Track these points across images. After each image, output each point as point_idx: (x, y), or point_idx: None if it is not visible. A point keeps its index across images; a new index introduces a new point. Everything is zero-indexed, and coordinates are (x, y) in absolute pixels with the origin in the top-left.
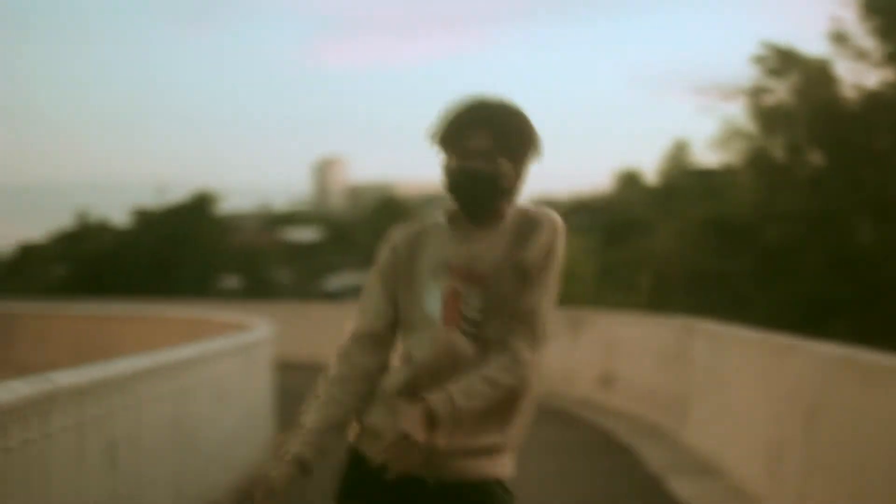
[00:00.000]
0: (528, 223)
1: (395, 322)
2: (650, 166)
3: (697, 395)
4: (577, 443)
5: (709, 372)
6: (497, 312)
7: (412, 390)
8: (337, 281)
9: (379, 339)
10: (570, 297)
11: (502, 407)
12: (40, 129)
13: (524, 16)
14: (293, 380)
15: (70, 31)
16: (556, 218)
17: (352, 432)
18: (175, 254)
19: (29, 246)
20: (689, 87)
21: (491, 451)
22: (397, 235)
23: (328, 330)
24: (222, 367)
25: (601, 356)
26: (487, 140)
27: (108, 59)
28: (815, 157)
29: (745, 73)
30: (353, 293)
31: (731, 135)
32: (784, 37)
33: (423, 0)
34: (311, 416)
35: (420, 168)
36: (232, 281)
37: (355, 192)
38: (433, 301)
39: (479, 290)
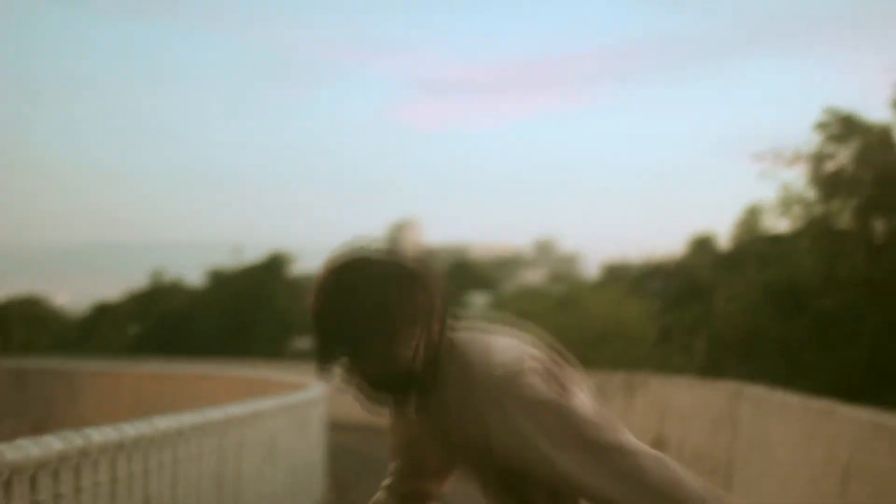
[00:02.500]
0: (469, 399)
1: None
2: (725, 231)
3: (742, 459)
4: None
5: (753, 436)
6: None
7: None
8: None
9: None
10: (630, 360)
11: None
12: (117, 187)
13: (611, 81)
14: (348, 441)
15: (148, 91)
16: (503, 375)
17: None
18: (249, 314)
19: (104, 305)
20: (758, 153)
21: None
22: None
23: None
24: (272, 425)
25: (654, 420)
26: (367, 332)
27: (188, 117)
28: (877, 224)
29: (810, 139)
30: None
31: (791, 201)
32: (849, 103)
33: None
34: None
35: (494, 231)
36: (305, 342)
37: (429, 255)
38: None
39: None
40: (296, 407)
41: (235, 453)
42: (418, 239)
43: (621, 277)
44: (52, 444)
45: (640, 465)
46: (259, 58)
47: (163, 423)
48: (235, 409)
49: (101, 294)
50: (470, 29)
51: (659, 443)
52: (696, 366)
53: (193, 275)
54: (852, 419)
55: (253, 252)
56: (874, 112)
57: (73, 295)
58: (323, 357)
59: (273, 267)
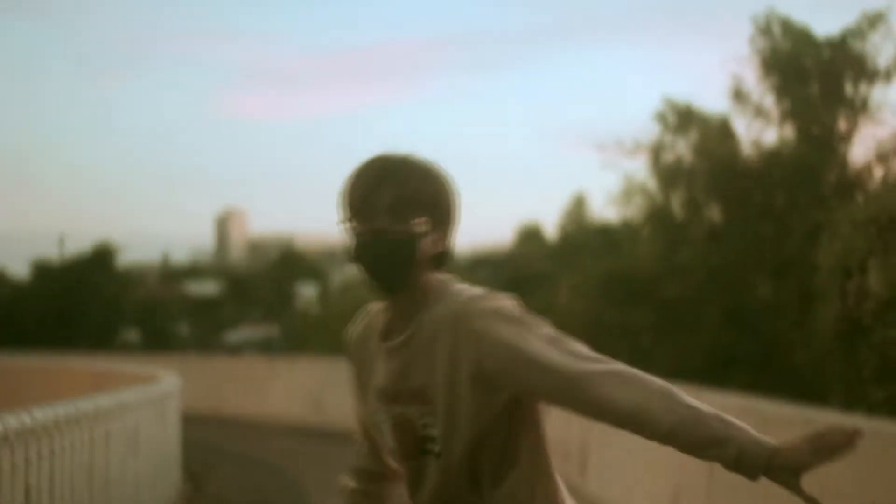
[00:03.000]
0: (445, 323)
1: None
2: (551, 221)
3: (598, 445)
4: None
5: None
6: (457, 431)
7: None
8: (237, 335)
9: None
10: None
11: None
12: None
13: (431, 69)
14: (196, 432)
15: None
16: (497, 305)
17: None
18: (75, 306)
19: None
20: (595, 143)
21: None
22: (350, 341)
23: (229, 383)
24: (136, 417)
25: None
26: (391, 197)
27: (5, 108)
28: (714, 214)
29: (649, 129)
30: (252, 347)
31: (632, 191)
32: (691, 95)
33: (344, 54)
34: None
35: (321, 222)
36: (132, 334)
37: (256, 245)
38: (383, 429)
39: (429, 408)
40: (156, 399)
41: (104, 445)
42: (245, 228)
43: (450, 267)
44: None
45: (616, 368)
46: (86, 49)
47: (41, 414)
48: (106, 400)
49: None
50: (301, 18)
51: None
52: None
53: (16, 266)
54: (720, 404)
55: (77, 243)
56: (713, 103)
57: None
58: (356, 214)
59: (99, 258)
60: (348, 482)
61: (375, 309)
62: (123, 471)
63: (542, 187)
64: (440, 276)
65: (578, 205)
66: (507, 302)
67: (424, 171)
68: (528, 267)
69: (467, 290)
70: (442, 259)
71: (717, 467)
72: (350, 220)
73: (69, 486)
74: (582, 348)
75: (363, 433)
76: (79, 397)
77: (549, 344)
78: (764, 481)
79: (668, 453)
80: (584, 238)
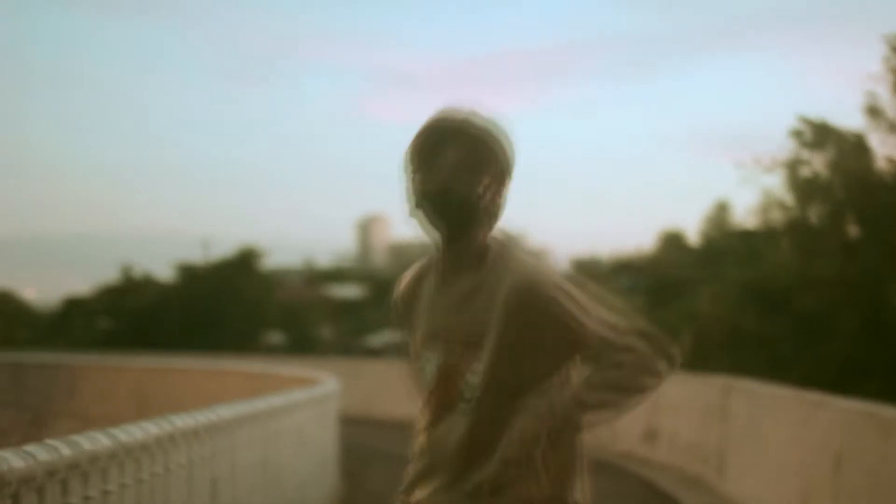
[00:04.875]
0: (508, 281)
1: None
2: (693, 227)
3: (735, 448)
4: (624, 492)
5: (746, 427)
6: (500, 385)
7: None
8: (379, 338)
9: None
10: None
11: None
12: (87, 181)
13: (581, 76)
14: (349, 433)
15: (125, 86)
16: (549, 278)
17: None
18: (219, 309)
19: (74, 299)
20: (730, 147)
21: None
22: (399, 294)
23: (377, 385)
24: (302, 416)
25: (647, 412)
26: (454, 156)
27: (160, 114)
28: (850, 227)
29: (784, 145)
30: (394, 351)
31: (770, 205)
32: (828, 106)
33: (488, 60)
34: None
35: None
36: (275, 337)
37: (398, 250)
38: (426, 372)
39: (478, 356)
40: (319, 399)
41: (275, 441)
42: (386, 233)
43: (591, 273)
44: (148, 428)
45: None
46: (233, 54)
47: (224, 411)
48: (276, 401)
49: (67, 288)
50: (442, 23)
51: (651, 434)
52: (683, 361)
53: (162, 269)
54: (844, 409)
55: (221, 246)
56: (851, 119)
57: (40, 289)
58: (426, 166)
59: (243, 261)
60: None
61: (421, 262)
62: (291, 466)
63: (681, 193)
64: (496, 234)
65: (721, 211)
66: (559, 276)
67: (487, 130)
68: (670, 273)
69: (528, 255)
70: (498, 213)
71: (843, 468)
72: (415, 174)
73: (247, 479)
74: (611, 317)
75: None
76: (244, 398)
77: (590, 316)
78: (892, 477)
79: (798, 458)
80: (726, 244)
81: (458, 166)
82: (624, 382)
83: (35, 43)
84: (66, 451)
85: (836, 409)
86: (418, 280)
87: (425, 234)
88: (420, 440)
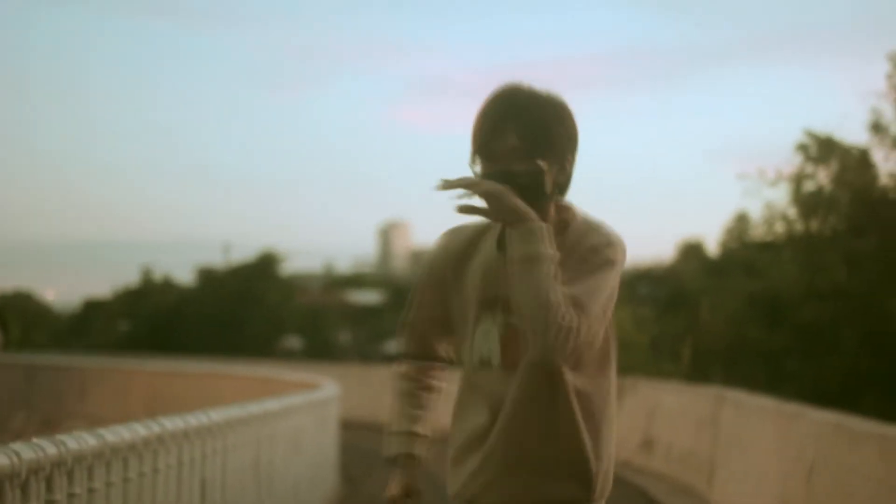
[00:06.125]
0: (588, 248)
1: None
2: (713, 238)
3: (723, 458)
4: (619, 501)
5: (733, 437)
6: None
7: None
8: (398, 344)
9: (428, 342)
10: (624, 365)
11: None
12: (108, 185)
13: (600, 84)
14: (355, 438)
15: (149, 89)
16: (622, 241)
17: None
18: (239, 313)
19: (94, 302)
20: (742, 172)
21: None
22: (447, 249)
23: (388, 392)
24: (298, 420)
25: (643, 421)
26: (515, 138)
27: (179, 118)
28: (854, 240)
29: (790, 159)
30: None
31: (774, 218)
32: (834, 118)
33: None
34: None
35: None
36: (294, 341)
37: (418, 256)
38: (487, 341)
39: None
40: (317, 404)
41: (269, 444)
42: (407, 239)
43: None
44: (137, 429)
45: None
46: (255, 58)
47: (216, 414)
48: (272, 404)
49: (88, 291)
50: (468, 32)
51: (648, 443)
52: (684, 372)
53: (182, 273)
54: (818, 421)
55: (241, 251)
56: (854, 132)
57: (60, 291)
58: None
59: (264, 266)
60: (399, 365)
61: (477, 224)
62: (285, 469)
63: (703, 204)
64: (564, 202)
65: (741, 221)
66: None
67: (547, 107)
68: (688, 282)
69: (596, 220)
70: (566, 185)
71: (816, 477)
72: (475, 158)
73: (238, 481)
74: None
75: (416, 323)
76: (245, 402)
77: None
78: (860, 487)
79: (776, 467)
80: (743, 256)
81: (517, 150)
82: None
83: (53, 43)
84: (51, 450)
85: (811, 421)
86: (473, 242)
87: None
88: (468, 398)
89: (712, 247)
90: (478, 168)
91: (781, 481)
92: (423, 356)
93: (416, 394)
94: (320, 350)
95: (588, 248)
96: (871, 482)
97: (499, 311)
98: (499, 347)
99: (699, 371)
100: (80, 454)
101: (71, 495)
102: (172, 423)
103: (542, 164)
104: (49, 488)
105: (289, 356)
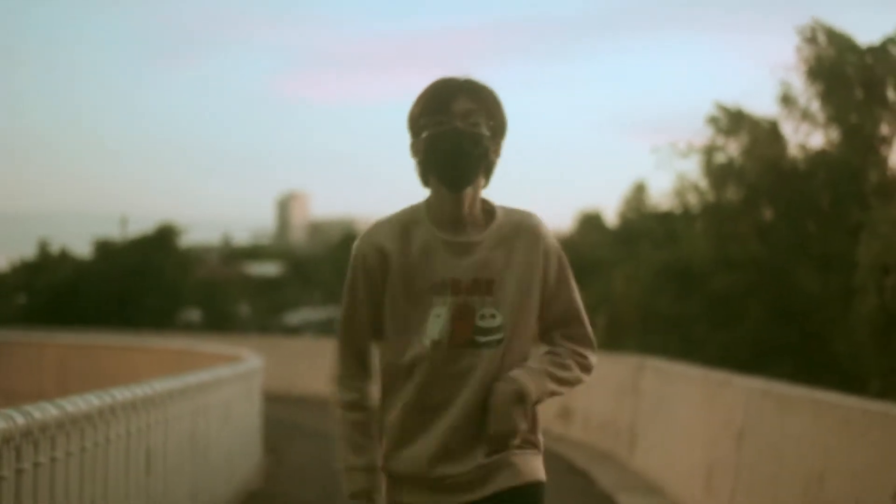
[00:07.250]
0: (523, 228)
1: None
2: (611, 208)
3: (645, 425)
4: None
5: (656, 404)
6: (521, 321)
7: (420, 411)
8: (297, 316)
9: (366, 356)
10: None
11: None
12: (2, 156)
13: (502, 55)
14: (271, 409)
15: (41, 60)
16: (541, 219)
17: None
18: (136, 286)
19: None
20: (653, 132)
21: (538, 451)
22: (381, 235)
23: (297, 363)
24: (229, 392)
25: None
26: (469, 104)
27: (74, 91)
28: (763, 212)
29: (701, 130)
30: (312, 328)
31: (685, 189)
32: (739, 88)
33: (406, 39)
34: (357, 458)
35: (382, 205)
36: (193, 314)
37: (317, 228)
38: (438, 323)
39: (490, 299)
40: (244, 376)
41: (203, 415)
42: (306, 210)
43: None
44: (91, 400)
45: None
46: (148, 31)
47: (159, 385)
48: (204, 376)
49: None
50: (364, 4)
51: (566, 412)
52: (597, 341)
53: (80, 245)
54: (746, 387)
55: (139, 224)
56: (764, 102)
57: None
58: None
59: (162, 239)
60: (344, 392)
61: (399, 216)
62: (218, 440)
63: (601, 175)
64: (499, 206)
65: (639, 192)
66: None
67: (487, 90)
68: (587, 254)
69: (507, 206)
70: (493, 168)
71: (744, 442)
72: (428, 122)
73: (178, 451)
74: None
75: (353, 339)
76: (169, 374)
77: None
78: (788, 450)
79: (704, 433)
80: (643, 226)
81: (467, 114)
82: (572, 381)
83: None
84: (20, 420)
85: (739, 387)
86: (400, 235)
87: (428, 185)
88: (415, 379)
89: (611, 217)
90: (424, 134)
91: (710, 446)
92: (360, 369)
93: (362, 422)
94: (219, 322)
95: (524, 228)
96: (803, 445)
97: (448, 293)
98: (450, 328)
99: (614, 340)
100: (44, 424)
101: (36, 465)
102: (121, 394)
103: (487, 128)
104: (18, 457)
105: (188, 329)
